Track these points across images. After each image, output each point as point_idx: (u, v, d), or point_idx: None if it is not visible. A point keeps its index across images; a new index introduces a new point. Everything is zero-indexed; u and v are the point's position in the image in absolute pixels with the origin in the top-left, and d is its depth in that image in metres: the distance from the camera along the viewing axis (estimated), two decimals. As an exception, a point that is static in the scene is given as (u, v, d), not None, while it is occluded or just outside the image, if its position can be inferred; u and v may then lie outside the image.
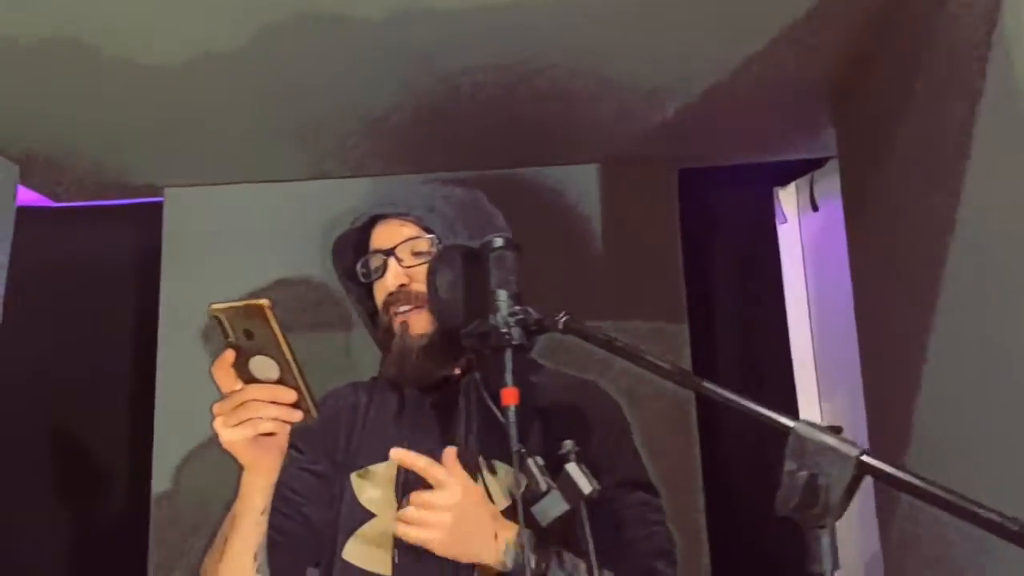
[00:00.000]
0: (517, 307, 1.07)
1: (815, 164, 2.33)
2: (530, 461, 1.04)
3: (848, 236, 1.88)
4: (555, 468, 1.03)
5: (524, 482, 1.03)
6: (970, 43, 1.28)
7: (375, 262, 1.30)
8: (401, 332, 1.25)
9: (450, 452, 1.13)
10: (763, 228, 2.38)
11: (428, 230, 1.27)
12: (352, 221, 1.37)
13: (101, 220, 2.33)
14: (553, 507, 1.01)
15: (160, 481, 2.04)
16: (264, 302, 0.99)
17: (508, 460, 1.18)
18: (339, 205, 2.11)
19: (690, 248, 2.20)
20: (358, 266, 1.32)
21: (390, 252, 1.28)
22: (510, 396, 1.04)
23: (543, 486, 1.03)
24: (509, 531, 1.10)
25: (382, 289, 1.28)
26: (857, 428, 2.20)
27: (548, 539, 1.10)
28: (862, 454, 0.73)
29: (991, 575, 1.23)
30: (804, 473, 0.74)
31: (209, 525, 1.90)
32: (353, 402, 1.34)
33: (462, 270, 1.23)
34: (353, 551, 1.23)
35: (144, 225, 2.25)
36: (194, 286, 2.12)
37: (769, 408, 0.84)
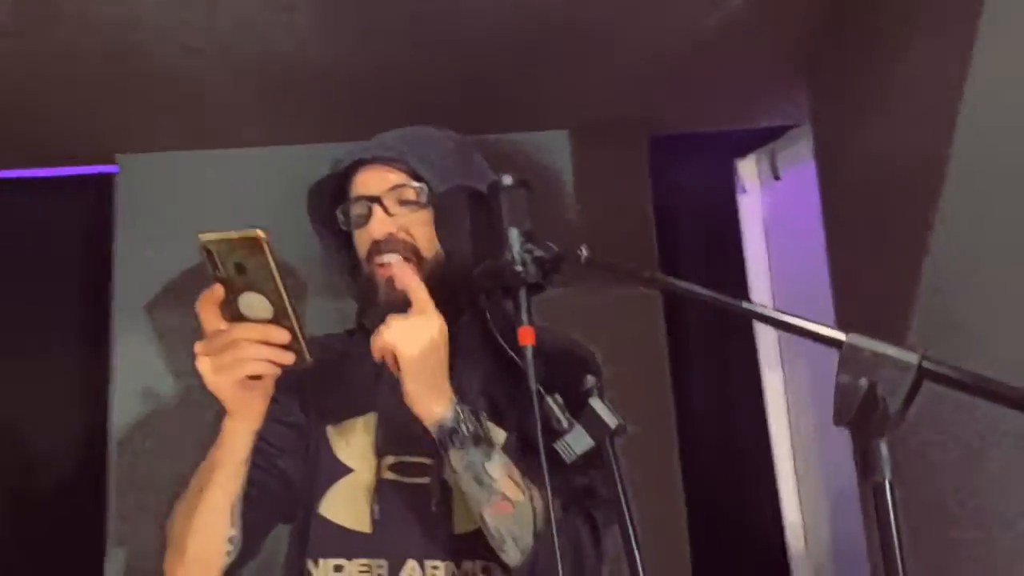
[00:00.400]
0: (531, 244, 1.04)
1: (773, 136, 2.37)
2: (549, 399, 1.01)
3: (822, 197, 1.91)
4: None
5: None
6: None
7: (358, 209, 1.21)
8: (386, 286, 1.16)
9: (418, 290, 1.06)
10: (725, 198, 2.40)
11: (417, 178, 1.19)
12: (331, 165, 1.27)
13: (47, 192, 2.21)
14: (578, 443, 0.98)
15: (117, 451, 1.96)
16: (261, 233, 0.91)
17: (492, 415, 1.17)
18: (299, 171, 2.04)
19: (655, 217, 2.21)
20: (338, 212, 1.24)
21: (376, 199, 1.18)
22: (527, 335, 1.00)
23: (565, 423, 1.00)
24: (449, 390, 1.06)
25: (366, 237, 1.20)
26: (819, 394, 2.25)
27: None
28: (923, 359, 0.72)
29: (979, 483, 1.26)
30: (864, 382, 0.73)
31: (167, 487, 1.87)
32: (329, 354, 1.27)
33: (469, 212, 1.20)
34: (330, 507, 1.17)
35: (93, 199, 2.15)
36: (150, 255, 2.04)
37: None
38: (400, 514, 1.13)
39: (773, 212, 2.40)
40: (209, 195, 2.08)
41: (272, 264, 0.92)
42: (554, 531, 0.96)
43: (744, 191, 2.43)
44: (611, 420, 0.98)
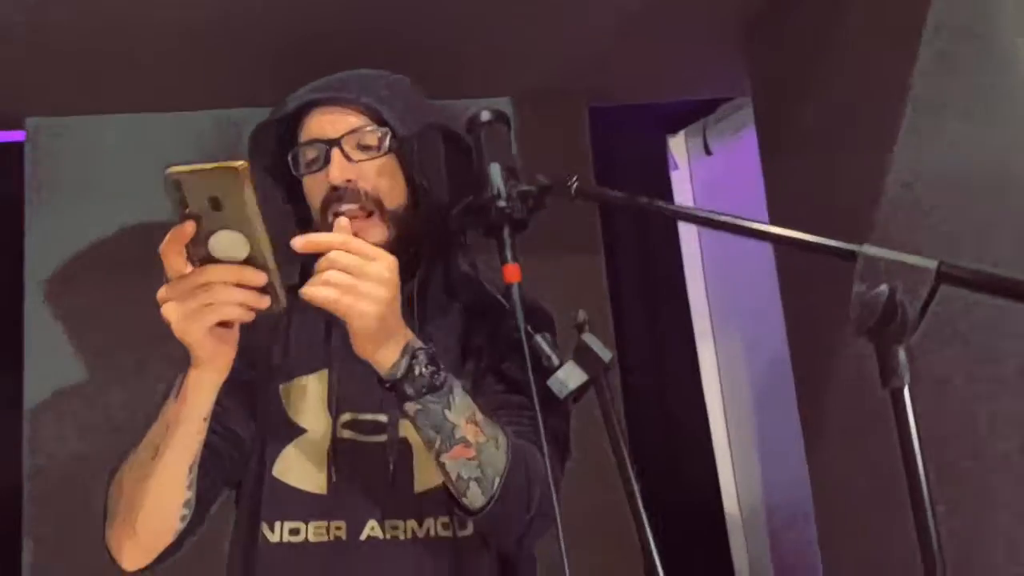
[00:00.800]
0: (514, 180, 1.01)
1: (704, 112, 2.41)
2: (538, 337, 0.98)
3: (764, 168, 1.94)
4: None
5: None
6: None
7: (312, 153, 1.12)
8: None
9: (342, 223, 0.97)
10: (657, 172, 2.43)
11: (379, 122, 1.12)
12: (275, 108, 1.18)
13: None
14: (571, 378, 0.95)
15: (32, 447, 1.83)
16: (241, 164, 0.83)
17: (460, 363, 1.13)
18: (228, 138, 1.96)
19: (591, 190, 2.21)
20: (289, 157, 1.14)
21: (334, 142, 1.10)
22: (512, 273, 0.97)
23: (556, 360, 0.97)
24: (409, 336, 0.98)
25: (321, 185, 1.10)
26: (752, 360, 2.29)
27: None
28: (940, 266, 0.73)
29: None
30: (883, 288, 0.73)
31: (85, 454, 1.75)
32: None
33: (443, 152, 1.16)
34: (284, 469, 1.10)
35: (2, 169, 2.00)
36: (63, 226, 1.91)
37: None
38: (358, 474, 1.08)
39: (704, 186, 2.44)
40: (121, 161, 1.96)
41: (252, 199, 0.84)
42: (551, 480, 0.90)
43: (676, 167, 2.47)
44: (604, 354, 0.95)
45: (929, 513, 0.74)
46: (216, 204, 0.84)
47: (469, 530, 1.08)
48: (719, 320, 2.37)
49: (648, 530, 0.88)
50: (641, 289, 2.32)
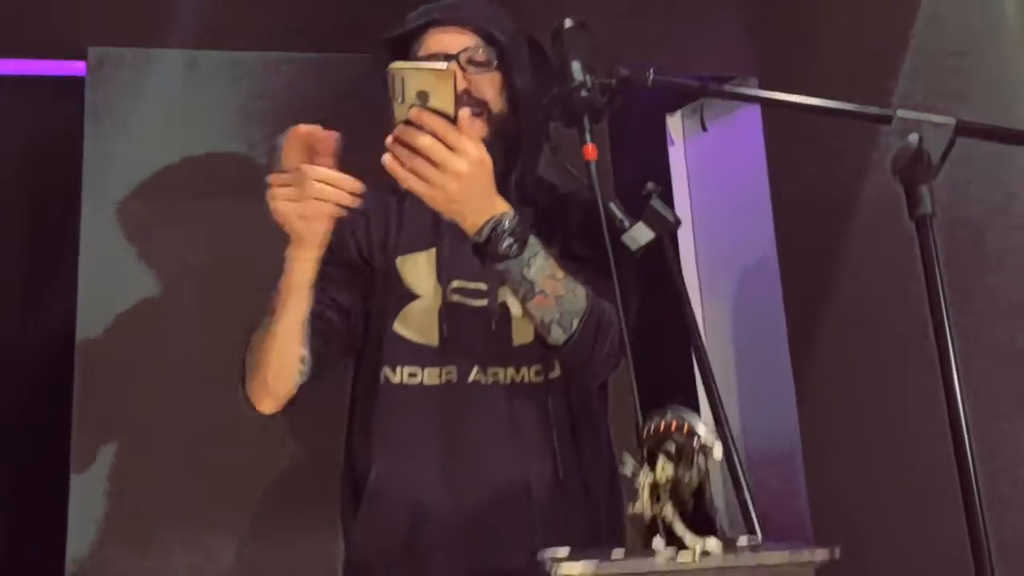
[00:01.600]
0: (592, 75, 1.20)
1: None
2: (612, 205, 1.17)
3: (767, 139, 2.16)
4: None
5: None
6: None
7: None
8: None
9: (464, 116, 1.13)
10: (657, 149, 2.65)
11: (487, 39, 1.32)
12: (393, 28, 1.37)
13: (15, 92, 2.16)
14: (641, 235, 1.14)
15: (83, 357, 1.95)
16: (451, 68, 1.11)
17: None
18: (280, 79, 2.13)
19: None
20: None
21: (453, 57, 1.30)
22: (591, 152, 1.16)
23: (627, 223, 1.16)
24: (501, 208, 1.16)
25: None
26: (740, 325, 2.50)
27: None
28: (958, 122, 0.94)
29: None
30: (914, 137, 0.94)
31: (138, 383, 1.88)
32: (386, 200, 1.39)
33: (530, 58, 1.35)
34: (402, 326, 1.31)
35: (63, 100, 2.12)
36: (119, 153, 2.04)
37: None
38: (464, 330, 1.29)
39: (697, 161, 2.67)
40: (178, 94, 2.10)
41: (453, 97, 1.07)
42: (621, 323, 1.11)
43: (672, 143, 2.69)
44: (671, 216, 1.15)
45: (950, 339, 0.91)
46: (424, 98, 1.06)
47: (557, 373, 1.30)
48: (706, 278, 2.59)
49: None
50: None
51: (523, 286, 1.19)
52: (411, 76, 1.04)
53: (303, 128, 1.13)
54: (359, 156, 1.80)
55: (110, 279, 1.99)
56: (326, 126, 1.16)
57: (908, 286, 0.99)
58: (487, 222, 1.15)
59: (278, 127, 2.09)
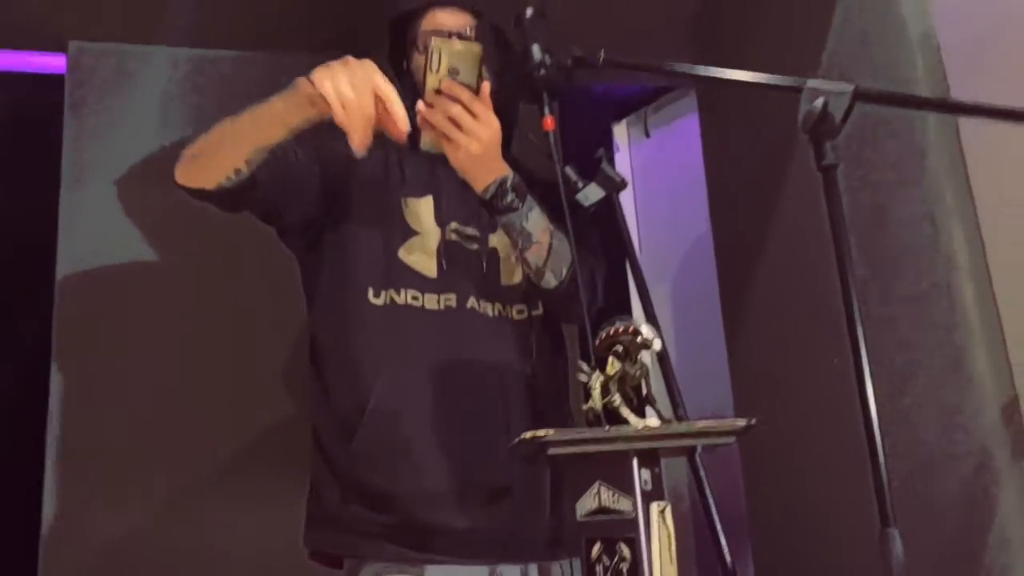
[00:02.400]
0: (550, 56, 1.37)
1: (646, 101, 2.85)
2: (568, 168, 1.35)
3: (704, 141, 2.36)
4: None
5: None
6: None
7: (432, 40, 1.42)
8: None
9: (485, 88, 1.32)
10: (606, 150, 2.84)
11: (480, 26, 1.48)
12: (397, 5, 1.52)
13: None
14: (593, 193, 1.32)
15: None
16: (480, 47, 1.32)
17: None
18: (254, 76, 2.25)
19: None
20: (418, 41, 1.48)
21: (455, 33, 1.45)
22: (549, 123, 1.33)
23: (581, 183, 1.33)
24: (505, 170, 1.37)
25: None
26: (679, 318, 2.69)
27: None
28: (855, 88, 1.12)
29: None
30: (819, 101, 1.12)
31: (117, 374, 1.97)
32: (385, 150, 1.49)
33: (494, 44, 1.51)
34: (406, 253, 1.45)
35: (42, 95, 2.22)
36: (98, 146, 2.14)
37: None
38: (460, 266, 1.44)
39: (641, 166, 2.87)
40: (155, 89, 2.22)
41: (480, 72, 1.30)
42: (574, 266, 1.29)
43: (618, 150, 2.89)
44: (618, 177, 1.33)
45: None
46: (455, 72, 1.29)
47: (539, 311, 1.47)
48: (648, 263, 2.77)
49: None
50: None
51: (522, 236, 1.39)
52: (447, 51, 1.26)
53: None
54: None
55: (89, 274, 2.07)
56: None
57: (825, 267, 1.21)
58: (494, 180, 1.36)
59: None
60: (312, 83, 1.20)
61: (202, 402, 2.02)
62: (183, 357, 2.05)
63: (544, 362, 1.47)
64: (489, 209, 1.38)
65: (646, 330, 0.98)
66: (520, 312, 1.47)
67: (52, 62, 2.26)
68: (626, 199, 2.85)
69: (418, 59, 1.49)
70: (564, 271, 1.39)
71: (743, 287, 2.17)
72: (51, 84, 2.22)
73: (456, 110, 1.30)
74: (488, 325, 1.44)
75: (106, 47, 2.19)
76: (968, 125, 1.53)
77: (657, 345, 0.97)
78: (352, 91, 1.18)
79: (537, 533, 1.40)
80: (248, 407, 2.04)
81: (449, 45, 1.29)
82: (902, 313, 1.59)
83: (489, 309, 1.45)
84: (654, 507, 0.95)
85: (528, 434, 0.95)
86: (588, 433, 0.95)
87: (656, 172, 2.81)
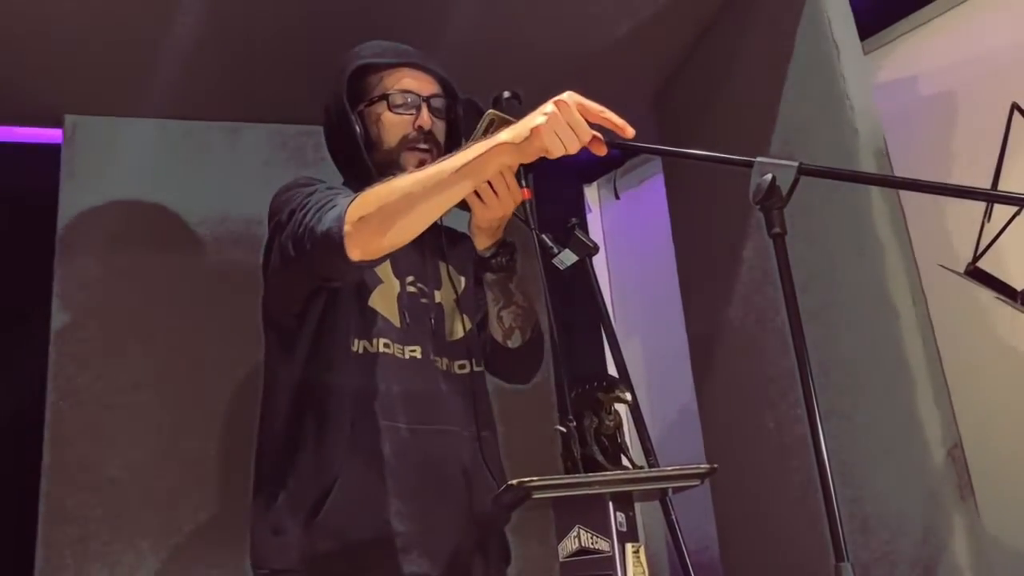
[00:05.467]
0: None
1: (614, 165, 3.00)
2: (544, 236, 1.47)
3: (669, 205, 2.51)
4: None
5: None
6: (769, 57, 1.96)
7: (401, 99, 1.53)
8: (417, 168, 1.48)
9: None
10: (575, 214, 2.98)
11: (445, 89, 1.58)
12: (369, 56, 1.57)
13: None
14: (567, 258, 1.44)
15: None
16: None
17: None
18: (239, 148, 2.37)
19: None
20: (388, 96, 1.53)
21: (427, 99, 1.54)
22: (527, 194, 1.46)
23: (556, 249, 1.45)
24: (501, 236, 1.50)
25: (404, 123, 1.52)
26: (651, 372, 2.80)
27: None
28: (800, 164, 1.26)
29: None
30: (768, 176, 1.25)
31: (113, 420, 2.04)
32: None
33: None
34: (375, 302, 1.50)
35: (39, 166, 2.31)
36: (93, 213, 2.24)
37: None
38: (418, 319, 1.52)
39: (612, 226, 3.01)
40: (149, 159, 2.32)
41: None
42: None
43: (590, 210, 3.03)
44: (591, 243, 1.45)
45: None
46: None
47: (480, 367, 1.56)
48: (621, 330, 2.89)
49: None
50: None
51: (506, 295, 1.50)
52: (496, 123, 1.33)
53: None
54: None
55: (82, 340, 2.15)
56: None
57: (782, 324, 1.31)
58: (495, 243, 1.47)
59: (247, 192, 2.34)
60: (542, 136, 1.22)
61: (195, 459, 2.09)
62: (178, 419, 2.13)
63: (484, 418, 1.53)
64: (485, 266, 1.48)
65: (618, 384, 1.09)
66: (462, 367, 1.53)
67: (51, 133, 2.37)
68: (599, 257, 2.99)
69: (384, 116, 1.54)
70: (529, 331, 1.51)
71: (711, 341, 2.29)
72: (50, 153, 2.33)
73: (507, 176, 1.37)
74: (443, 379, 1.50)
75: (100, 120, 2.30)
76: (908, 193, 1.68)
77: (628, 398, 1.07)
78: (575, 140, 1.23)
79: None
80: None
81: (500, 118, 1.33)
82: (853, 363, 1.71)
83: (439, 362, 1.51)
84: (629, 547, 1.05)
85: (515, 481, 1.05)
86: (568, 479, 1.05)
87: (627, 231, 2.94)
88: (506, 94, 1.53)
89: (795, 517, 1.86)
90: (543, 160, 1.33)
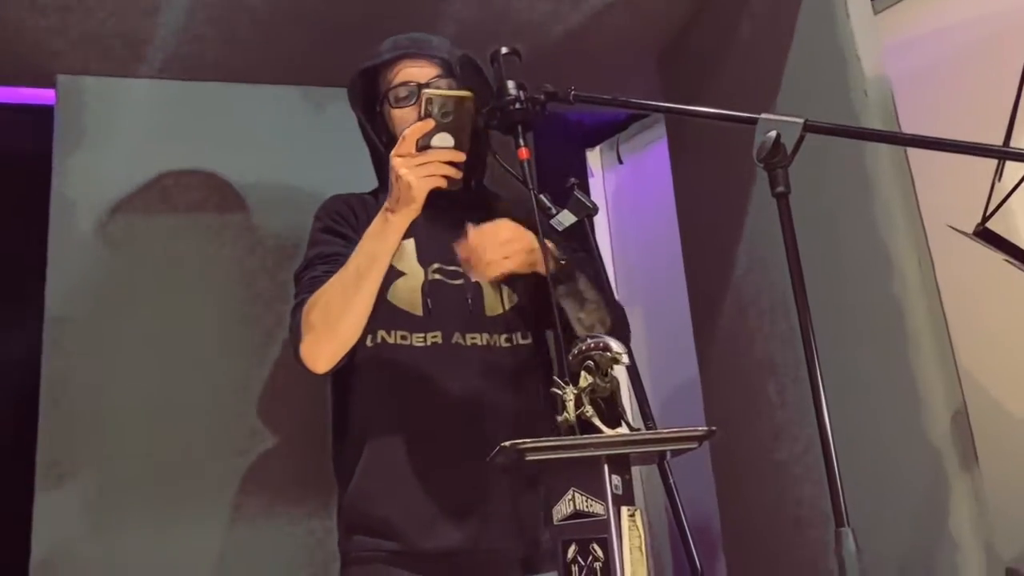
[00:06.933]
0: (524, 91, 1.46)
1: (617, 129, 2.95)
2: (542, 196, 1.43)
3: (673, 167, 2.46)
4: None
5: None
6: (776, 16, 1.90)
7: (404, 92, 1.57)
8: None
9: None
10: (578, 179, 2.94)
11: (447, 71, 1.57)
12: (369, 57, 1.60)
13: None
14: (566, 218, 1.40)
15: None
16: (470, 95, 1.39)
17: None
18: (233, 110, 2.33)
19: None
20: (390, 92, 1.58)
21: (425, 85, 1.54)
22: (524, 153, 1.42)
23: (554, 210, 1.42)
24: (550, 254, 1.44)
25: (409, 116, 1.52)
26: (653, 340, 2.78)
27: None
28: (806, 121, 1.22)
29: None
30: (772, 133, 1.21)
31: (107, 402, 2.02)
32: (365, 200, 1.65)
33: (474, 77, 1.60)
34: (394, 295, 1.54)
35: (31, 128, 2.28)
36: (89, 176, 2.20)
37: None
38: (445, 303, 1.53)
39: (614, 191, 2.97)
40: (143, 120, 2.28)
41: (471, 119, 1.38)
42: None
43: (592, 175, 2.99)
44: (590, 203, 1.42)
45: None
46: (446, 115, 1.35)
47: (523, 341, 1.56)
48: (623, 281, 2.87)
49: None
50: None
51: (578, 300, 1.46)
52: (438, 99, 1.36)
53: (418, 126, 1.36)
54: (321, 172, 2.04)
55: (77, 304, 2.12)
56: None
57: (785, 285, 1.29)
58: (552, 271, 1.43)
59: (242, 154, 2.32)
60: (409, 184, 1.35)
61: (190, 432, 2.08)
62: (170, 389, 2.11)
63: (532, 387, 1.56)
64: (555, 281, 1.44)
65: (615, 345, 1.06)
66: (508, 341, 1.56)
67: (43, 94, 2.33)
68: (601, 222, 2.96)
69: (393, 112, 1.58)
70: (609, 319, 1.47)
71: (713, 304, 2.26)
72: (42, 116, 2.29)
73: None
74: (472, 357, 1.52)
75: (94, 80, 2.26)
76: (916, 152, 1.63)
77: (626, 360, 1.05)
78: (432, 171, 1.36)
79: (528, 550, 1.50)
80: (239, 438, 2.11)
81: (439, 94, 1.37)
82: (856, 327, 1.68)
83: (477, 339, 1.53)
84: (624, 511, 1.03)
85: (507, 443, 1.03)
86: (563, 441, 1.03)
87: (629, 196, 2.90)
88: (504, 50, 1.50)
89: (796, 483, 1.84)
90: (547, 122, 1.42)
